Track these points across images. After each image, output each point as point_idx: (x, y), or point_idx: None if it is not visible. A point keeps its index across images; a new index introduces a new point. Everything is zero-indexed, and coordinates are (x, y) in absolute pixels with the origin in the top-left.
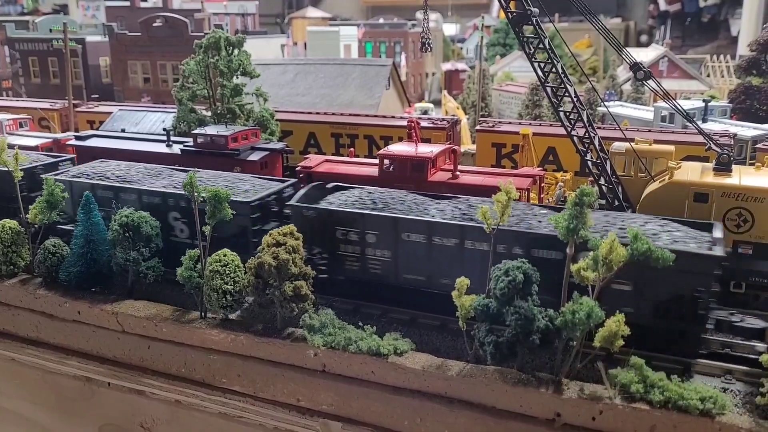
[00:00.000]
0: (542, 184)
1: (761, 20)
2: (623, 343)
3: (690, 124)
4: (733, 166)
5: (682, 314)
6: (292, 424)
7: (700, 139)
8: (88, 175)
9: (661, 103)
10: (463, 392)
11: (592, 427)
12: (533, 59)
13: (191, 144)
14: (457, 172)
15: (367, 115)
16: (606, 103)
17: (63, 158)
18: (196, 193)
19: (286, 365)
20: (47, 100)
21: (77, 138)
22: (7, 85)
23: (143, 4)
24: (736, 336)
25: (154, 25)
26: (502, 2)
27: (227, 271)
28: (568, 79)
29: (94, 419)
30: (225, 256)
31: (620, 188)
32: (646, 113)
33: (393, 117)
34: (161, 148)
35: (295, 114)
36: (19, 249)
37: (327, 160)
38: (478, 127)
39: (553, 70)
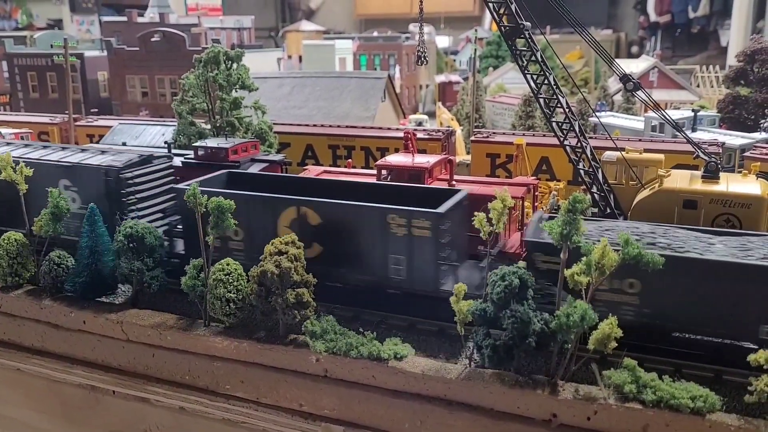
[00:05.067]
0: (536, 193)
1: (750, 31)
2: (616, 344)
3: (679, 134)
4: (721, 174)
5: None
6: (295, 428)
7: (689, 148)
8: None
9: (651, 113)
10: (462, 395)
11: (587, 427)
12: (526, 71)
13: (192, 156)
14: (453, 182)
15: (363, 127)
16: (598, 114)
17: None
18: (198, 204)
19: (289, 371)
20: (46, 115)
21: None
22: (5, 100)
23: (140, 19)
24: None
25: (152, 40)
26: (496, 17)
27: (230, 280)
28: (560, 91)
29: (100, 427)
30: (228, 264)
31: (612, 196)
32: (636, 123)
33: (389, 129)
34: None
35: (292, 126)
36: (25, 260)
37: (325, 171)
38: (472, 138)
39: (546, 81)
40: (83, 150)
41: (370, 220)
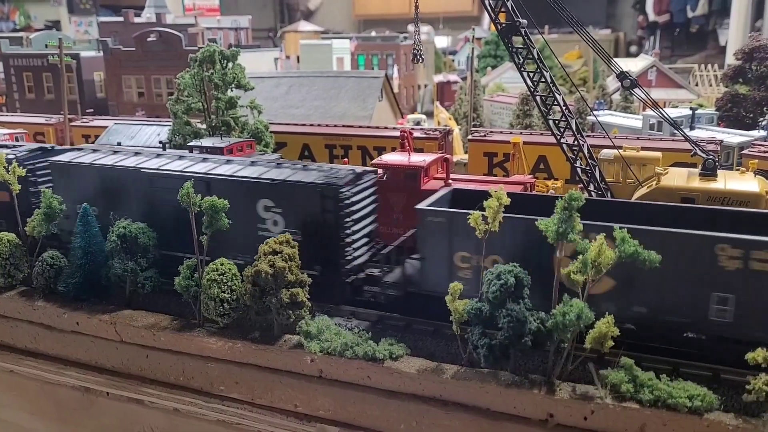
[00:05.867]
0: (533, 192)
1: (748, 30)
2: (613, 343)
3: (677, 131)
4: (719, 171)
5: None
6: (290, 429)
7: (687, 146)
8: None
9: (649, 112)
10: (457, 395)
11: (584, 427)
12: (522, 69)
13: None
14: (450, 181)
15: (360, 127)
16: (596, 112)
17: None
18: (192, 204)
19: (284, 372)
20: (42, 115)
21: None
22: (1, 101)
23: (137, 20)
24: None
25: (148, 39)
26: (492, 14)
27: (224, 280)
28: (557, 89)
29: (93, 429)
30: (222, 265)
31: (609, 194)
32: (635, 122)
33: (386, 128)
34: None
35: (289, 126)
36: (18, 261)
37: None
38: (470, 137)
39: (542, 79)
40: (279, 165)
41: (689, 250)
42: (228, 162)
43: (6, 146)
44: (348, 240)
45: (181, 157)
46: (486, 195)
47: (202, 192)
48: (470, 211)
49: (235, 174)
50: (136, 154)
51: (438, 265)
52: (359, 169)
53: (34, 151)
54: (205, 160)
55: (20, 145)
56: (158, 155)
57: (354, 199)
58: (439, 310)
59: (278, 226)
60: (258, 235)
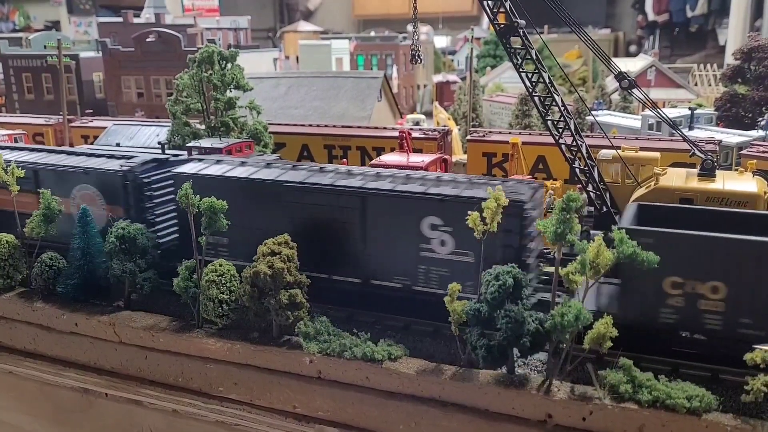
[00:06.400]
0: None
1: (747, 29)
2: (611, 344)
3: (675, 132)
4: (717, 172)
5: None
6: (289, 430)
7: (686, 146)
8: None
9: (648, 112)
10: (456, 396)
11: (582, 428)
12: (521, 70)
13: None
14: None
15: (359, 127)
16: (595, 112)
17: None
18: (192, 205)
19: (282, 372)
20: (41, 116)
21: None
22: (0, 102)
23: (136, 20)
24: None
25: (147, 40)
26: (490, 15)
27: (223, 281)
28: (555, 89)
29: (92, 430)
30: (221, 266)
31: (608, 194)
32: (633, 122)
33: (385, 128)
34: None
35: (288, 126)
36: (16, 262)
37: None
38: (468, 137)
39: (541, 80)
40: (439, 180)
41: None
42: (378, 175)
43: (114, 157)
44: (527, 262)
45: (321, 170)
46: (674, 209)
47: (357, 207)
48: (686, 232)
49: (397, 189)
50: (268, 165)
51: (642, 292)
52: (534, 183)
53: (148, 162)
54: (350, 172)
55: (131, 156)
56: (294, 167)
57: (533, 215)
58: (643, 341)
59: (446, 247)
60: (420, 256)
